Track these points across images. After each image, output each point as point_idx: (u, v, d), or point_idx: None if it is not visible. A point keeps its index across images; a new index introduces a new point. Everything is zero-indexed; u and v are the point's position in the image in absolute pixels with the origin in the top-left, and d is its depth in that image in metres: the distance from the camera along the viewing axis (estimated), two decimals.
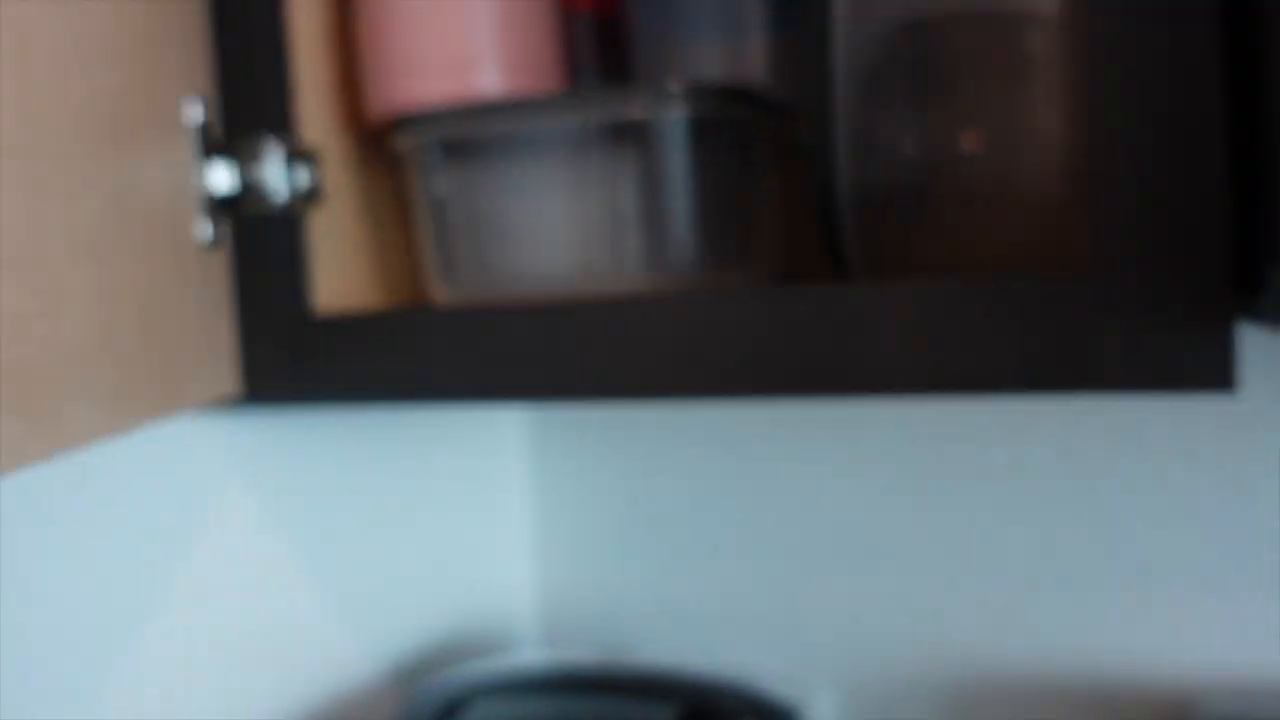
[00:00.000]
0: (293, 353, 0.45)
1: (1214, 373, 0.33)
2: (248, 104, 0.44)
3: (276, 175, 0.44)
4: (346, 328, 0.45)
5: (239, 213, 0.45)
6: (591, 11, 0.54)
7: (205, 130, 0.44)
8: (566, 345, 0.41)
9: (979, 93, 0.42)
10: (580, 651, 0.62)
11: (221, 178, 0.44)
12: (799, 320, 0.38)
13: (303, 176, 0.45)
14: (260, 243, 0.45)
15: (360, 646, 0.60)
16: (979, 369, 0.35)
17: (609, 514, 0.70)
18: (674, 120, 0.45)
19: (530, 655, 0.60)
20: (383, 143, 0.52)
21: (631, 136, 0.46)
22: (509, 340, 0.42)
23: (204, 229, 0.43)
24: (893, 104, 0.43)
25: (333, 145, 0.49)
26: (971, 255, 0.46)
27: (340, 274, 0.50)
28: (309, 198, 0.46)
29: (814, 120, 0.39)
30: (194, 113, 0.43)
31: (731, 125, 0.47)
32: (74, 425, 0.34)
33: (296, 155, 0.45)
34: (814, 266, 0.56)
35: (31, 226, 0.33)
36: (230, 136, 0.45)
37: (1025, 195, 0.42)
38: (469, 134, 0.47)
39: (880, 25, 0.43)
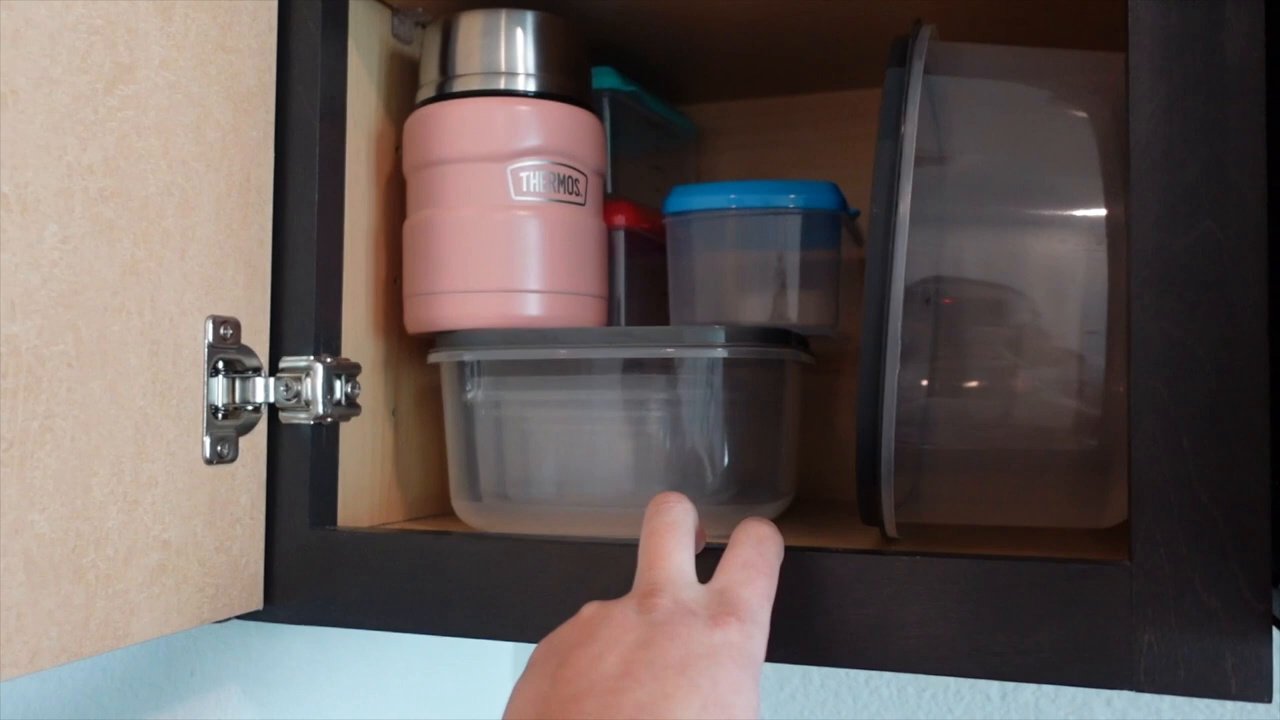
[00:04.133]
0: (311, 569, 0.44)
1: (1254, 682, 0.33)
2: (296, 320, 0.45)
3: (317, 388, 0.44)
4: (366, 546, 0.44)
5: (275, 425, 0.45)
6: (626, 227, 0.55)
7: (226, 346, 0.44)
8: (587, 590, 0.41)
9: (987, 349, 0.43)
10: None
11: (260, 390, 0.44)
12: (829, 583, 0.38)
13: (341, 389, 0.45)
14: (291, 457, 0.45)
15: None
16: (1011, 651, 0.35)
17: None
18: (712, 360, 0.45)
19: None
20: (418, 352, 0.53)
21: (665, 367, 0.46)
22: (530, 576, 0.41)
23: (209, 445, 0.42)
24: (915, 359, 0.44)
25: (369, 352, 0.50)
26: (993, 515, 0.46)
27: (368, 486, 0.50)
28: (346, 409, 0.46)
29: (866, 374, 0.39)
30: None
31: (764, 363, 0.48)
32: None
33: (337, 369, 0.45)
34: (828, 496, 0.57)
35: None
36: (276, 350, 0.45)
37: (1037, 452, 0.43)
38: (507, 355, 0.47)
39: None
